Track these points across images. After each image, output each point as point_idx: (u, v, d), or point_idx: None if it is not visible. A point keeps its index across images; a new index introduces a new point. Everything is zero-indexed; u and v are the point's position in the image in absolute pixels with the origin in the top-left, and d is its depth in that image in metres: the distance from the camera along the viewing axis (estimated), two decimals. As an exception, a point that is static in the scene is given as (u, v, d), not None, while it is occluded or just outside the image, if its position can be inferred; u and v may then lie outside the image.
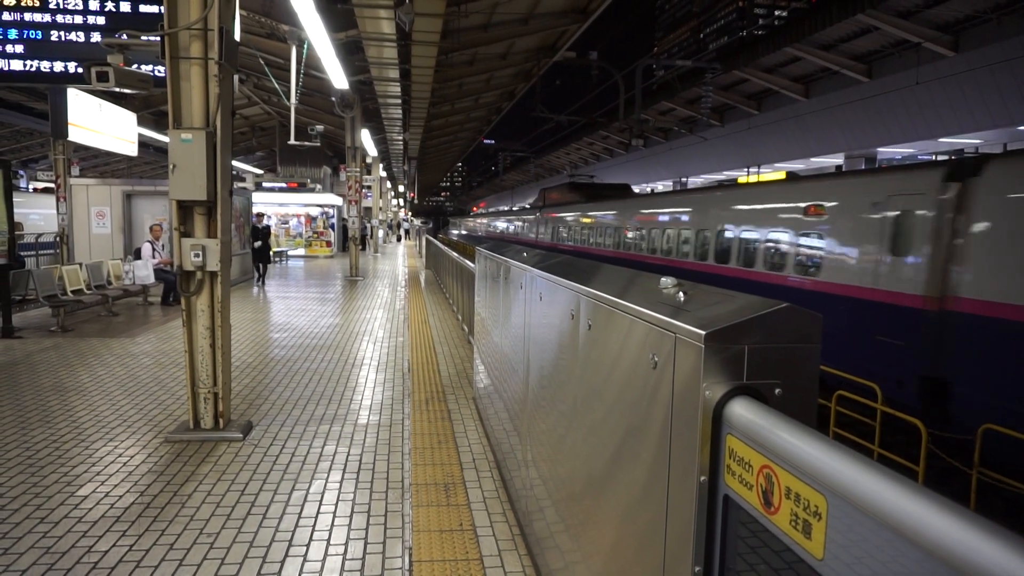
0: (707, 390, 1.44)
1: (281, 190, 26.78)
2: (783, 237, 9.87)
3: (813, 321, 1.48)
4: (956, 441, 6.75)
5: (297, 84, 13.19)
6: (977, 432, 5.68)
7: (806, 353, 1.48)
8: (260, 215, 17.98)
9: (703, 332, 1.45)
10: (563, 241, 24.00)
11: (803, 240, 9.41)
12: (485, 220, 51.36)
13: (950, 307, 6.86)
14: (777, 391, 1.45)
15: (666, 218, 14.51)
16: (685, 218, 13.53)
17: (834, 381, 7.73)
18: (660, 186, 39.32)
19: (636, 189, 31.75)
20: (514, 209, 49.06)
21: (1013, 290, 6.25)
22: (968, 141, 20.27)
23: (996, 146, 20.07)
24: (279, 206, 26.15)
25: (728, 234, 11.60)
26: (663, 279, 1.99)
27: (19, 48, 8.13)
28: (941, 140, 19.71)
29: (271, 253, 18.05)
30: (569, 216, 23.53)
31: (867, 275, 8.03)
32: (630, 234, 16.81)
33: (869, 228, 8.07)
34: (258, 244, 16.11)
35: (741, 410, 1.36)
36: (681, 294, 1.83)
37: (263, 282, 15.90)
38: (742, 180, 27.74)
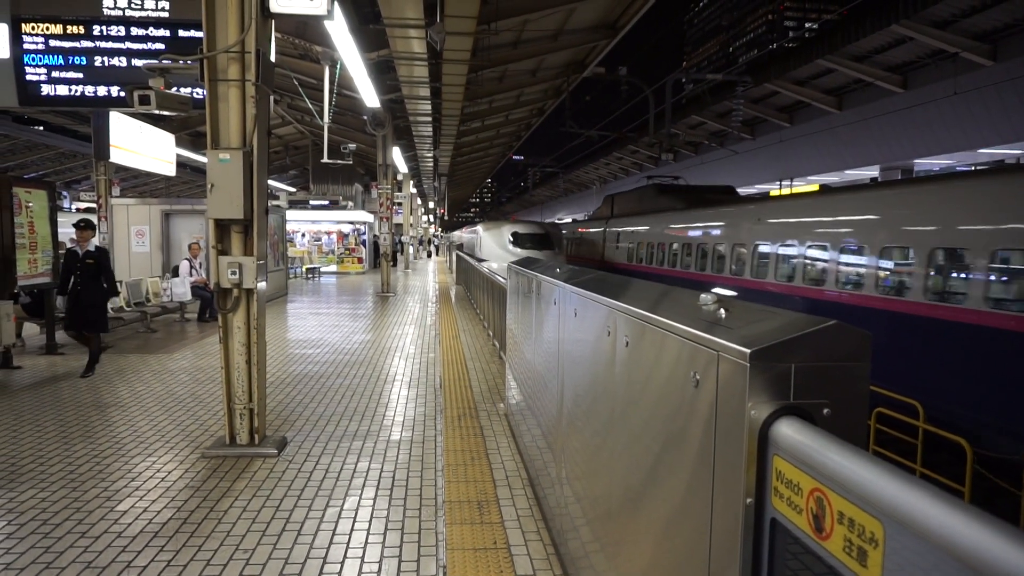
0: (752, 409, 1.41)
1: (314, 207, 27.24)
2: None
3: (862, 339, 1.44)
4: (1003, 461, 6.51)
5: (330, 103, 13.40)
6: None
7: (855, 372, 1.44)
8: (84, 224, 7.99)
9: (749, 350, 1.42)
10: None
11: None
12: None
13: None
14: (825, 411, 1.41)
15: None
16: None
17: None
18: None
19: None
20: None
21: None
22: (1009, 152, 19.78)
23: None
24: (312, 223, 26.59)
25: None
26: (703, 295, 1.95)
27: (65, 73, 8.41)
28: (980, 151, 19.28)
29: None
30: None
31: None
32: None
33: None
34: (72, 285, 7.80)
35: (789, 430, 1.32)
36: (722, 311, 1.80)
37: (93, 365, 7.62)
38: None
